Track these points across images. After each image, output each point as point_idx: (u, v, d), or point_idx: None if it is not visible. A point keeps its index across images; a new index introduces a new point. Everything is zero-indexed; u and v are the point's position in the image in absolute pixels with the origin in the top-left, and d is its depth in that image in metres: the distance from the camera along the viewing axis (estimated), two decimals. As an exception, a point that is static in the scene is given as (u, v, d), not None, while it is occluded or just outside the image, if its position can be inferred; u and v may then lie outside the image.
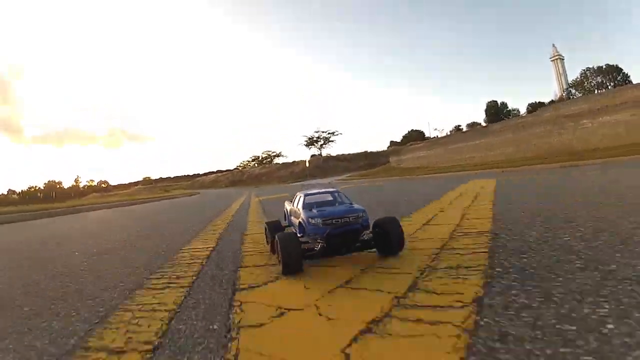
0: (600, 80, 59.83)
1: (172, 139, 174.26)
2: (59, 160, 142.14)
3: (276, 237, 2.14)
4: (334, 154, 62.98)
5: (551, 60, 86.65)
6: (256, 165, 72.21)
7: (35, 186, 73.48)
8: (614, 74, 60.90)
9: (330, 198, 2.52)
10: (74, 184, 73.49)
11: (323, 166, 54.93)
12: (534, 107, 58.53)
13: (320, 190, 2.67)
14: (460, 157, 25.07)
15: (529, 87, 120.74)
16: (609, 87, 54.58)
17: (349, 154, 62.53)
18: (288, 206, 2.80)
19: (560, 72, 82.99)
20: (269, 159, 71.74)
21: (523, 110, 65.66)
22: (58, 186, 70.95)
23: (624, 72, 60.94)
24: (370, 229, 2.24)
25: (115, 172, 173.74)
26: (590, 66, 59.82)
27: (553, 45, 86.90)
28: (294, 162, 65.23)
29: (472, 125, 67.89)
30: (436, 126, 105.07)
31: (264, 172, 65.59)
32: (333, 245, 2.09)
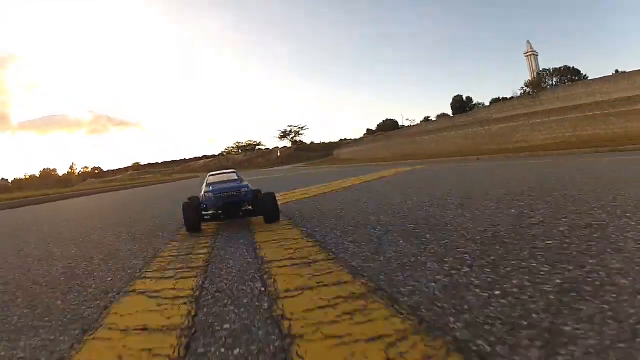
0: (555, 82, 63.91)
1: (156, 125, 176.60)
2: (45, 148, 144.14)
3: (183, 204, 2.84)
4: (309, 141, 72.21)
5: (525, 56, 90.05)
6: (240, 152, 78.18)
7: (32, 174, 76.58)
8: (569, 76, 64.54)
9: (230, 178, 3.28)
10: (70, 170, 76.89)
11: (293, 155, 62.20)
12: (491, 102, 63.54)
13: (223, 171, 3.50)
14: (374, 154, 33.03)
15: (506, 80, 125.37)
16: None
17: (315, 144, 72.71)
18: (203, 184, 3.33)
19: (534, 68, 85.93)
20: (250, 148, 77.84)
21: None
22: (53, 173, 74.31)
23: (583, 74, 64.28)
24: (250, 202, 2.92)
25: (103, 158, 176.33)
26: (548, 67, 64.49)
27: (528, 41, 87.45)
28: (271, 150, 72.06)
29: (441, 116, 72.89)
30: (408, 117, 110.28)
31: (246, 159, 72.72)
32: (223, 212, 2.80)
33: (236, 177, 3.31)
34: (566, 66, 65.47)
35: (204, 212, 2.86)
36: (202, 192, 3.06)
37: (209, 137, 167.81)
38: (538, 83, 65.36)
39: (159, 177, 50.70)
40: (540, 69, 66.12)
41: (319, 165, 32.05)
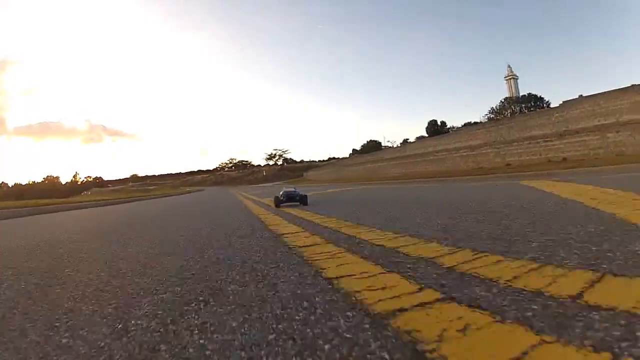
0: (518, 109, 69.83)
1: (149, 136, 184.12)
2: (41, 154, 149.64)
3: (274, 197, 5.19)
4: (299, 158, 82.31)
5: (505, 80, 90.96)
6: (233, 168, 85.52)
7: (34, 181, 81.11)
8: (532, 102, 70.06)
9: (293, 189, 5.53)
10: (73, 179, 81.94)
11: (277, 174, 69.79)
12: (463, 125, 69.99)
13: (289, 186, 7.15)
14: (326, 177, 41.03)
15: (490, 103, 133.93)
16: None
17: (297, 164, 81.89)
18: (280, 191, 5.52)
19: (513, 91, 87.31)
20: (242, 165, 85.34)
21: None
22: (55, 180, 79.10)
23: (546, 101, 69.62)
24: (299, 197, 5.06)
25: (97, 168, 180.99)
26: (509, 95, 71.21)
27: (508, 65, 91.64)
28: (259, 168, 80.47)
29: (419, 139, 79.36)
30: (389, 138, 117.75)
31: (238, 176, 79.60)
32: (287, 200, 5.03)
33: (293, 188, 5.70)
34: (530, 94, 72.06)
35: (280, 199, 5.02)
36: (280, 192, 5.22)
37: (202, 149, 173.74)
38: (500, 111, 71.71)
39: (168, 189, 55.12)
40: (511, 95, 71.74)
41: (291, 184, 39.53)
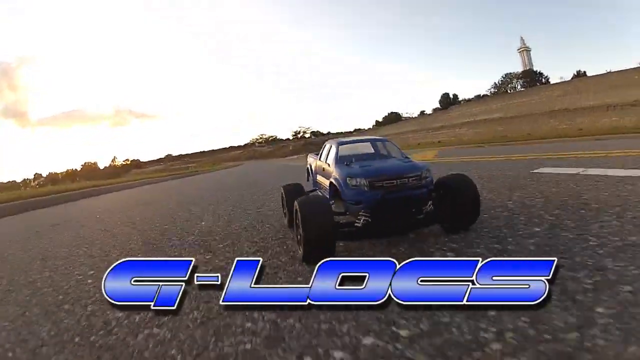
0: (519, 84, 76.39)
1: (178, 116, 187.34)
2: (68, 142, 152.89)
3: (295, 203, 1.44)
4: (326, 130, 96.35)
5: (518, 52, 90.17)
6: (263, 144, 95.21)
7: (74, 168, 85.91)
8: (531, 78, 76.33)
9: (373, 151, 1.91)
10: (111, 163, 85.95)
11: (302, 148, 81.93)
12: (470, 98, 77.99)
13: (361, 138, 2.00)
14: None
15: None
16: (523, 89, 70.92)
17: (323, 136, 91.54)
18: (313, 162, 2.15)
19: (527, 63, 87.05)
20: (272, 140, 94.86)
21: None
22: (93, 166, 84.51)
23: (545, 76, 71.82)
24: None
25: (128, 150, 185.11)
26: (512, 71, 77.81)
27: (521, 37, 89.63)
28: (288, 142, 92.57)
29: (435, 110, 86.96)
30: (407, 110, 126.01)
31: (270, 150, 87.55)
32: (384, 220, 1.40)
33: (385, 150, 1.92)
34: (531, 69, 78.87)
35: (342, 219, 1.53)
36: (335, 175, 1.62)
37: (237, 123, 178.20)
38: (502, 85, 78.67)
39: (210, 165, 61.46)
40: (504, 73, 78.14)
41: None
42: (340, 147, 1.82)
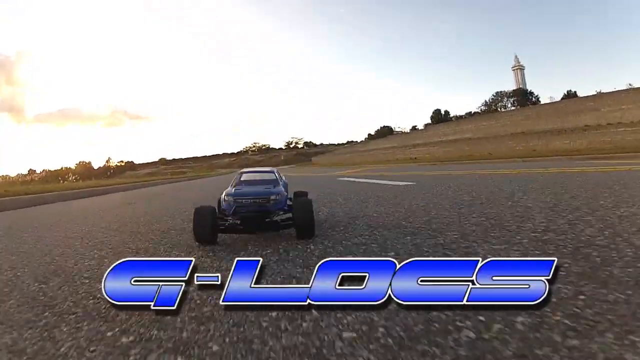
0: (509, 103, 77.75)
1: (171, 118, 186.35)
2: (63, 140, 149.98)
3: (195, 209, 2.16)
4: (318, 142, 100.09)
5: (512, 70, 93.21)
6: (256, 152, 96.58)
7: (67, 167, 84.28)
8: (520, 97, 74.82)
9: (266, 177, 2.63)
10: (106, 163, 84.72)
11: (293, 159, 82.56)
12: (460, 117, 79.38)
13: (259, 170, 2.76)
14: (328, 161, 55.46)
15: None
16: (514, 107, 72.23)
17: (309, 150, 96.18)
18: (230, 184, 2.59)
19: (520, 81, 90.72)
20: (264, 149, 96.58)
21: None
22: (88, 166, 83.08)
23: (536, 95, 73.52)
24: (285, 212, 2.27)
25: (121, 152, 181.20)
26: (503, 89, 79.83)
27: (515, 55, 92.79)
28: (279, 152, 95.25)
29: (427, 125, 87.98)
30: (399, 125, 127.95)
31: (261, 159, 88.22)
32: (244, 223, 2.12)
33: (275, 177, 2.62)
34: (521, 88, 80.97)
35: (220, 220, 2.20)
36: (224, 194, 2.35)
37: (228, 131, 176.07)
38: (493, 103, 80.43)
39: (205, 171, 61.13)
40: (495, 92, 79.68)
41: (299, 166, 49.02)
42: (242, 175, 2.70)
